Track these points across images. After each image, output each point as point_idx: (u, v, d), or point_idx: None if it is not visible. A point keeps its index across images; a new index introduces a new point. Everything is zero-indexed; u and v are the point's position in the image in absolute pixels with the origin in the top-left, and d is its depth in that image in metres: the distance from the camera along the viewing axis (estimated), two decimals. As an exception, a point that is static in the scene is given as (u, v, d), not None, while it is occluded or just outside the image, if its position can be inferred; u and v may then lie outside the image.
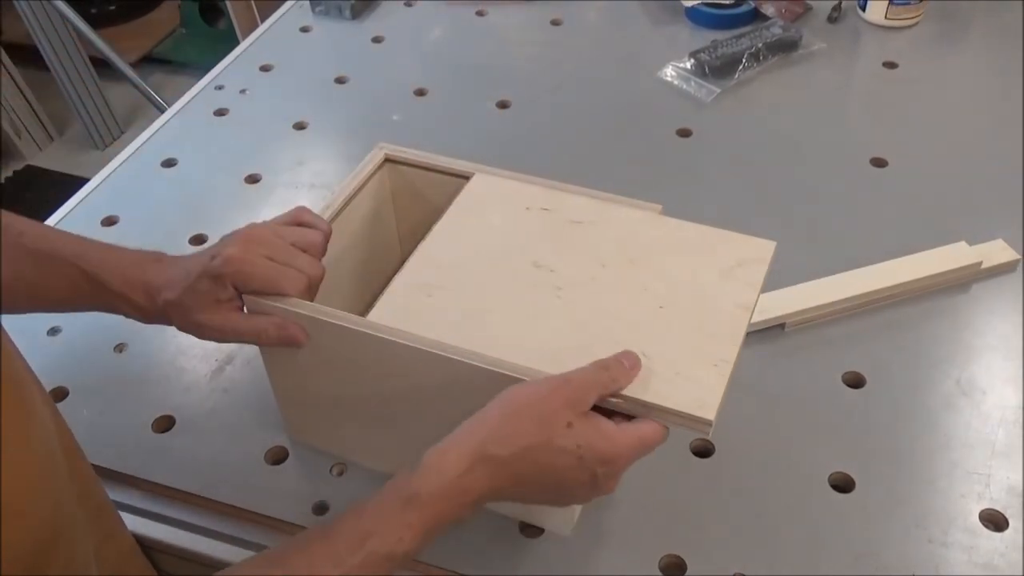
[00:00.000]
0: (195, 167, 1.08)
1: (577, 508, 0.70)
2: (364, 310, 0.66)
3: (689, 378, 0.59)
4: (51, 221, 1.01)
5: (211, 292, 0.65)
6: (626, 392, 0.58)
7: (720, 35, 1.20)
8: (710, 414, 0.57)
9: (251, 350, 0.84)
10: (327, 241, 0.70)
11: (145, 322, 0.70)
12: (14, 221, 0.69)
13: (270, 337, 0.66)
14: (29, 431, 0.50)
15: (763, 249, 0.68)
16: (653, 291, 0.65)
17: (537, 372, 0.59)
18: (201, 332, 0.68)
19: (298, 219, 0.70)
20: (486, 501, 0.56)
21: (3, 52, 2.43)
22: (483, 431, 0.56)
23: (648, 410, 0.58)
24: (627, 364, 0.59)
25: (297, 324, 0.65)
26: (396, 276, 0.68)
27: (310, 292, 0.67)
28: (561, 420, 0.55)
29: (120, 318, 0.88)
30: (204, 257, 0.66)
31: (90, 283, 0.68)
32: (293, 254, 0.67)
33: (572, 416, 0.56)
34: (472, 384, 0.61)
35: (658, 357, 0.60)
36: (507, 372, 0.59)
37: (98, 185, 1.06)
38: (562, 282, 0.67)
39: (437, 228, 0.72)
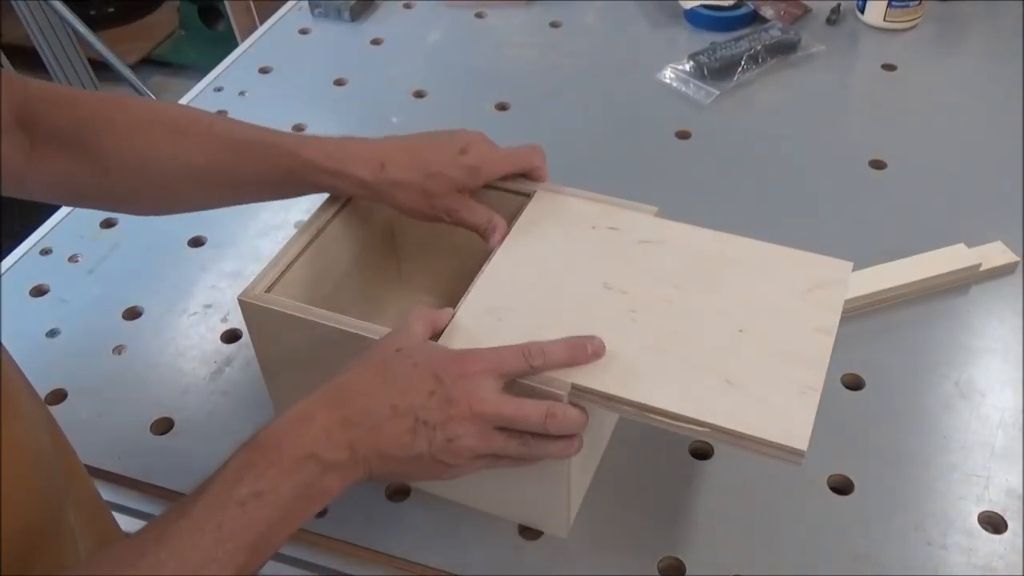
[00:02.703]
0: (194, 169, 1.08)
1: (573, 509, 0.70)
2: (360, 314, 0.66)
3: (776, 406, 0.57)
4: (51, 221, 1.01)
5: (461, 181, 0.71)
6: (712, 420, 0.56)
7: (719, 37, 1.20)
8: (802, 444, 0.55)
9: (249, 353, 0.84)
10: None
11: (359, 195, 0.73)
12: (201, 115, 0.71)
13: (494, 224, 0.71)
14: (12, 426, 0.49)
15: (839, 269, 0.66)
16: (731, 314, 0.64)
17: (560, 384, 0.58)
18: (432, 213, 0.72)
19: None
20: (336, 440, 0.54)
21: (2, 54, 2.43)
22: (318, 395, 0.56)
23: (736, 439, 0.56)
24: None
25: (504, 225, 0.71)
26: (464, 299, 0.66)
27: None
28: (405, 358, 0.56)
29: (118, 319, 0.88)
30: (439, 145, 0.72)
31: (295, 161, 0.69)
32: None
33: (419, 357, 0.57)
34: None
35: (741, 383, 0.59)
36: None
37: (97, 187, 1.06)
38: (636, 304, 0.65)
39: (502, 249, 0.70)
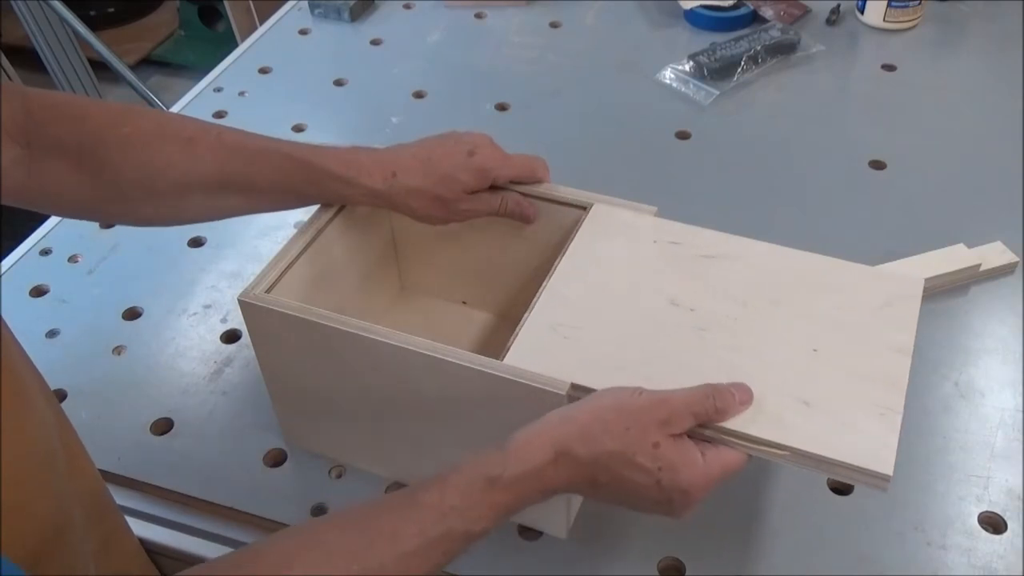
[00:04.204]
0: (194, 169, 1.08)
1: (573, 512, 0.70)
2: (360, 314, 0.66)
3: (857, 428, 0.56)
4: (51, 222, 1.01)
5: (471, 184, 0.71)
6: (794, 444, 0.55)
7: (719, 38, 1.20)
8: (888, 469, 0.54)
9: (249, 353, 0.84)
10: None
11: (371, 204, 0.73)
12: (208, 126, 0.71)
13: (510, 209, 0.73)
14: (24, 422, 0.50)
15: (911, 286, 0.65)
16: (803, 332, 0.62)
17: (533, 375, 0.59)
18: (445, 217, 0.73)
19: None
20: (560, 493, 0.56)
21: (2, 55, 2.43)
22: (571, 427, 0.55)
23: (817, 463, 0.55)
24: (738, 398, 0.56)
25: (531, 204, 0.74)
26: (527, 315, 0.65)
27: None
28: (649, 438, 0.54)
29: (118, 320, 0.88)
30: (448, 150, 0.72)
31: (306, 170, 0.70)
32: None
33: (661, 436, 0.54)
34: (468, 387, 0.61)
35: (819, 404, 0.57)
36: (501, 374, 0.59)
37: (97, 187, 1.06)
38: (704, 322, 0.63)
39: (562, 263, 0.69)
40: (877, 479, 0.54)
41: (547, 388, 0.58)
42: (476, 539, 0.53)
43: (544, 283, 0.68)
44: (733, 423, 0.56)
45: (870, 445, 0.55)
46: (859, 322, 0.63)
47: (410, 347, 0.62)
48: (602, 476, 0.54)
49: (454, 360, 0.61)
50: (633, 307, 0.66)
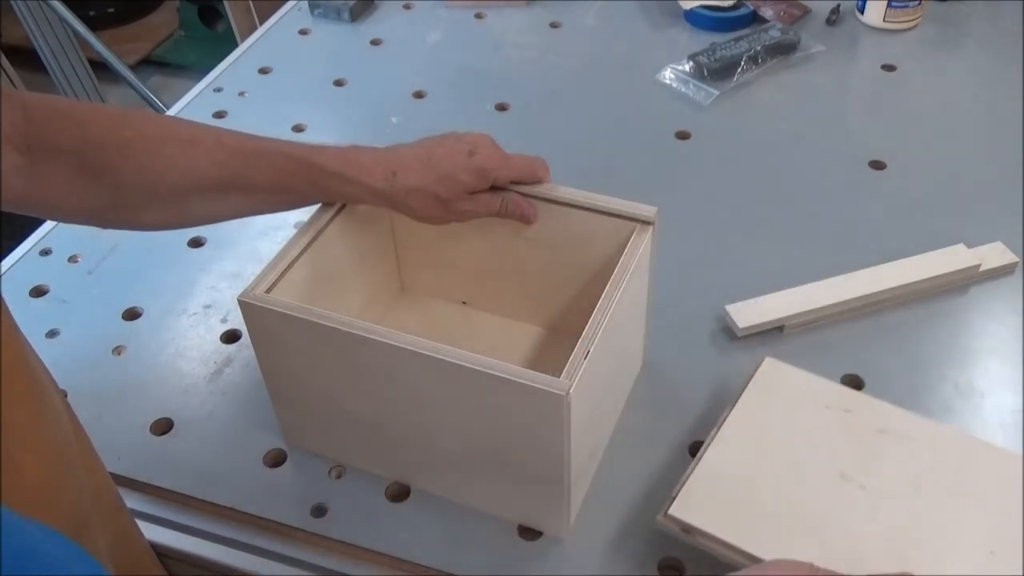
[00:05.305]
0: (194, 169, 1.08)
1: (573, 510, 0.70)
2: (361, 314, 0.66)
3: None
4: (51, 222, 1.01)
5: (471, 184, 0.71)
6: None
7: (719, 38, 1.20)
8: None
9: (249, 353, 0.84)
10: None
11: (371, 204, 0.73)
12: (208, 128, 0.71)
13: (510, 210, 0.74)
14: (44, 421, 0.50)
15: None
16: (978, 529, 0.60)
17: (531, 375, 0.59)
18: (445, 217, 0.73)
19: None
20: None
21: (2, 55, 2.43)
22: None
23: None
24: None
25: (531, 205, 0.74)
26: (697, 465, 0.66)
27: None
28: None
29: (117, 320, 0.88)
30: (448, 149, 0.71)
31: (306, 169, 0.70)
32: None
33: None
34: (466, 387, 0.61)
35: None
36: (500, 374, 0.59)
37: (97, 187, 1.06)
38: (876, 502, 0.62)
39: (734, 416, 0.69)
40: None
41: (547, 388, 0.58)
42: None
43: (713, 433, 0.68)
44: None
45: None
46: None
47: (409, 347, 0.61)
48: None
49: (453, 360, 0.60)
50: (803, 472, 0.64)
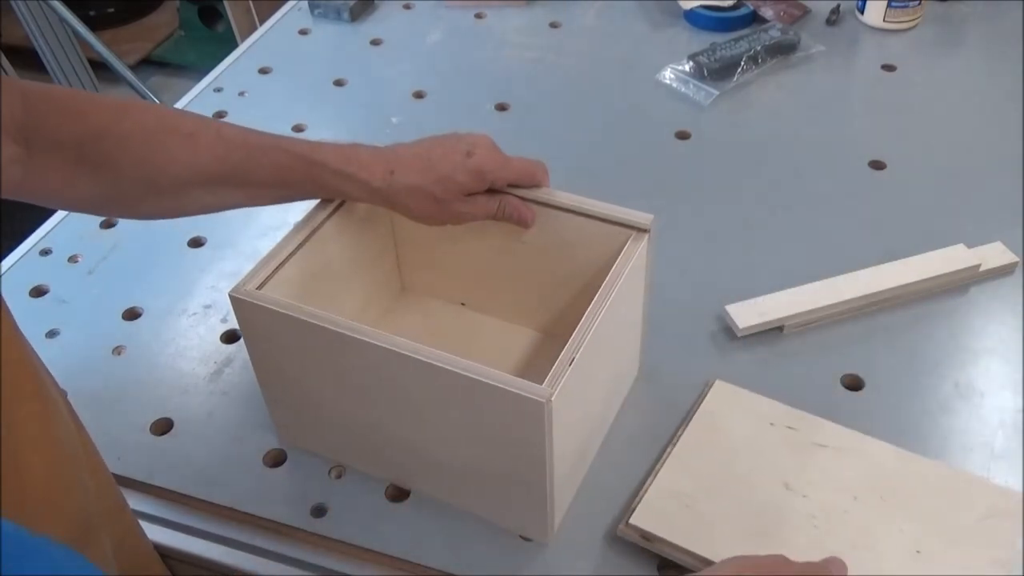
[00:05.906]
0: (194, 169, 1.08)
1: (557, 517, 0.69)
2: (356, 314, 0.66)
3: None
4: (51, 222, 1.01)
5: (468, 185, 0.71)
6: None
7: (719, 38, 1.20)
8: None
9: (249, 352, 0.84)
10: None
11: (369, 201, 0.73)
12: (208, 120, 0.71)
13: (507, 213, 0.73)
14: (51, 421, 0.50)
15: (1013, 500, 0.67)
16: (908, 533, 0.65)
17: (515, 381, 0.58)
18: (441, 218, 0.73)
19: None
20: None
21: (2, 55, 2.43)
22: None
23: None
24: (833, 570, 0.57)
25: (529, 208, 0.73)
26: (652, 480, 0.70)
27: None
28: None
29: (117, 320, 0.88)
30: (447, 149, 0.71)
31: (305, 165, 0.70)
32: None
33: None
34: (451, 392, 0.61)
35: None
36: (488, 381, 0.59)
37: (97, 187, 1.06)
38: (816, 511, 0.67)
39: (686, 435, 0.73)
40: None
41: (528, 395, 0.58)
42: None
43: (667, 450, 0.72)
44: None
45: None
46: (962, 530, 0.66)
47: (395, 348, 0.61)
48: None
49: (437, 363, 0.60)
50: (750, 485, 0.70)
